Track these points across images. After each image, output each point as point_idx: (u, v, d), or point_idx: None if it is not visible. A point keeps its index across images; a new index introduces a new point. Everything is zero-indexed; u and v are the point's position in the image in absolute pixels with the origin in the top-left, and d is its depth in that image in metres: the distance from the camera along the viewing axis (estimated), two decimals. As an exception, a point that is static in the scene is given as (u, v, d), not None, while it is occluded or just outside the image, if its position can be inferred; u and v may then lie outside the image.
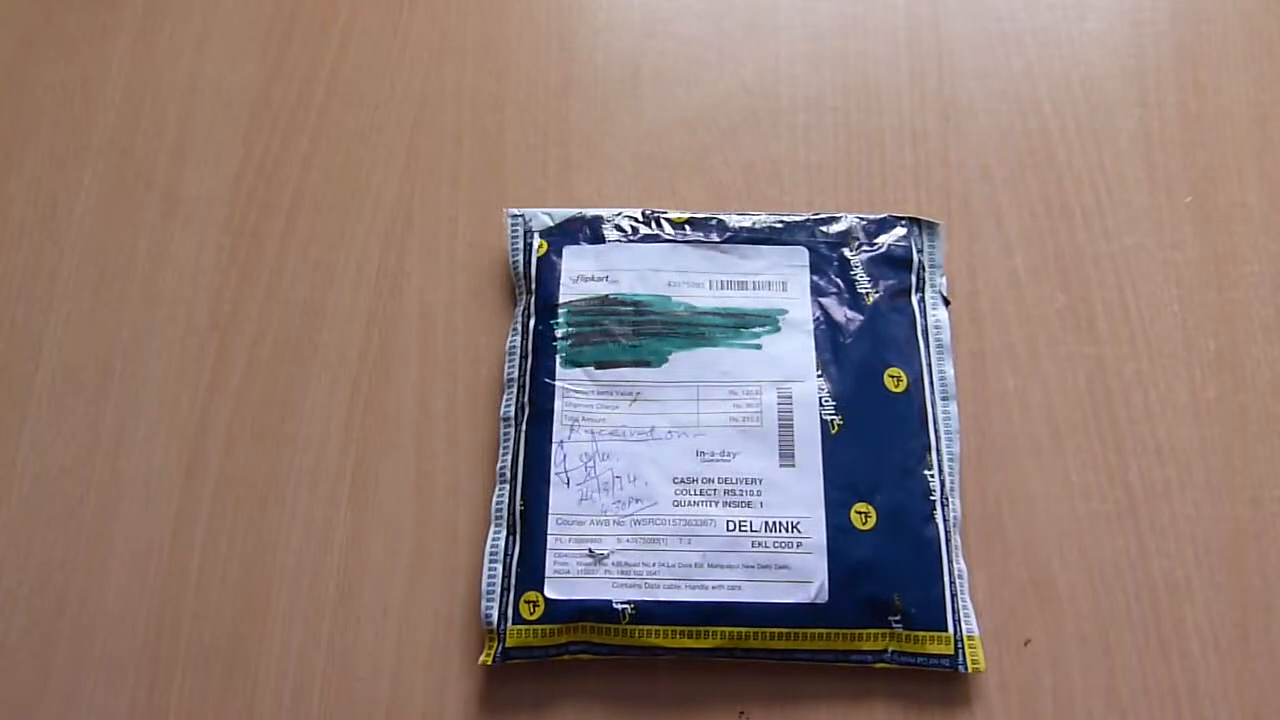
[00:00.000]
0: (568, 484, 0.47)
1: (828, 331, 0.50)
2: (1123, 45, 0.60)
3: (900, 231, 0.53)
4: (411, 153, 0.58)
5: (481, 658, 0.46)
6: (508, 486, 0.48)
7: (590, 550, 0.45)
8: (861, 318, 0.50)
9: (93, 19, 0.62)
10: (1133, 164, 0.57)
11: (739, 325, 0.50)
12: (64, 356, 0.54)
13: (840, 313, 0.50)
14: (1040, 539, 0.49)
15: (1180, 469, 0.50)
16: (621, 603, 0.45)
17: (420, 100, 0.59)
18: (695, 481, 0.46)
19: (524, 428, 0.49)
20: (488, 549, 0.47)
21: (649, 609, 0.45)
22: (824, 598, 0.45)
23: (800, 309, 0.50)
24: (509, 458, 0.49)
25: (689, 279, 0.51)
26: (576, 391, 0.49)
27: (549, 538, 0.46)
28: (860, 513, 0.46)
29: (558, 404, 0.48)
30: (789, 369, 0.49)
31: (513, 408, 0.50)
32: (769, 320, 0.50)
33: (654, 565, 0.45)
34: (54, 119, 0.59)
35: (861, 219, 0.53)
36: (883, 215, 0.53)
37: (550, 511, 0.47)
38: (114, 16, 0.62)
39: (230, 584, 0.49)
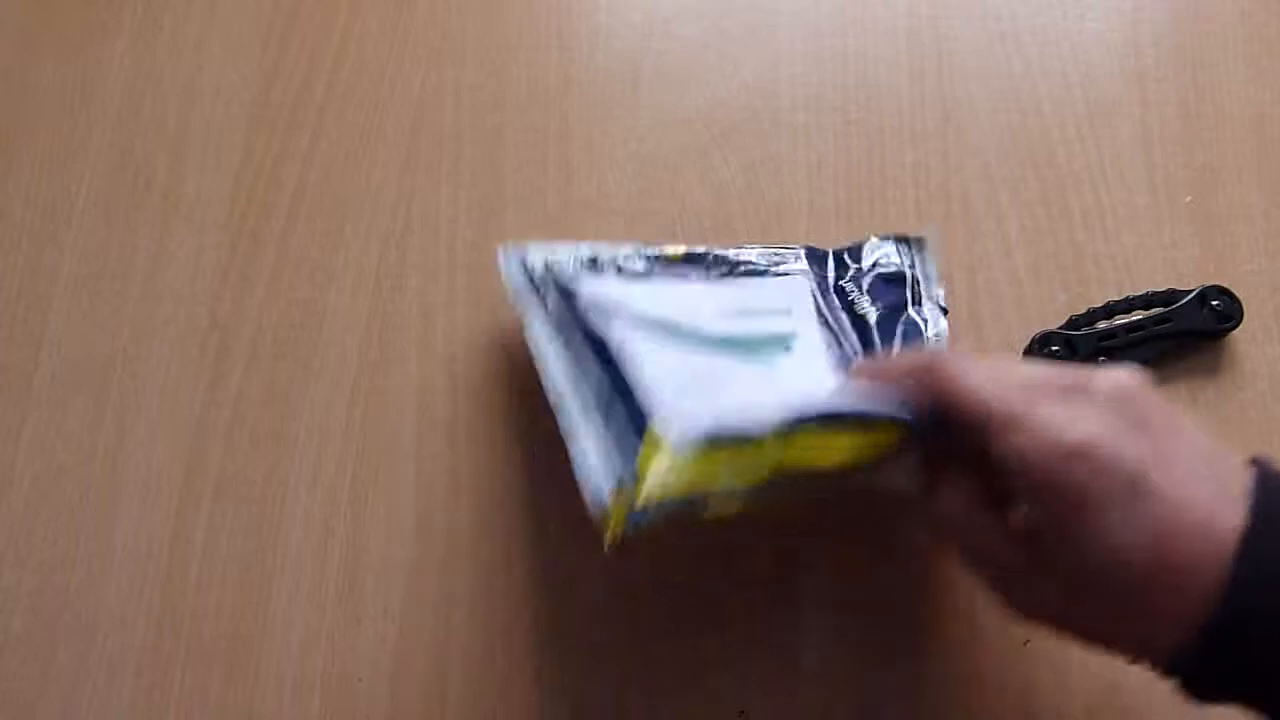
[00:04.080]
0: (610, 364, 0.43)
1: (839, 353, 0.48)
2: (1123, 45, 0.60)
3: (889, 249, 0.52)
4: (411, 153, 0.58)
5: (609, 532, 0.38)
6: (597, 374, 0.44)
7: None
8: (865, 337, 0.50)
9: (93, 19, 0.62)
10: (1133, 164, 0.57)
11: (749, 352, 0.47)
12: (64, 356, 0.54)
13: (845, 333, 0.50)
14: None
15: (1180, 469, 0.50)
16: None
17: (420, 100, 0.59)
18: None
19: (552, 334, 0.46)
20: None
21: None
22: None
23: (808, 330, 0.49)
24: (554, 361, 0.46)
25: (694, 312, 0.48)
26: None
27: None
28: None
29: None
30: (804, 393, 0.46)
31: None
32: (781, 343, 0.48)
33: None
34: (54, 119, 0.59)
35: (849, 246, 0.53)
36: (863, 240, 0.53)
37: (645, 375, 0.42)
38: (114, 16, 0.62)
39: (230, 584, 0.49)
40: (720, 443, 0.37)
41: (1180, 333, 0.52)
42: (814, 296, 0.50)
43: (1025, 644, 0.48)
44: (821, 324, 0.49)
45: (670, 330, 0.45)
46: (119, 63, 0.61)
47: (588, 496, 0.39)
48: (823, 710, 0.47)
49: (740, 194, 0.57)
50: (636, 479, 0.36)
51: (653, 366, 0.42)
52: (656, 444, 0.37)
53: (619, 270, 0.49)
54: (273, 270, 0.56)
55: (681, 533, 0.50)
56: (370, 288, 0.55)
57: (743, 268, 0.51)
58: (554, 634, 0.48)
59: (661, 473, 0.36)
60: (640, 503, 0.36)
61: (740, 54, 0.60)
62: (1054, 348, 0.52)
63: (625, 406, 0.41)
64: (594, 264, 0.49)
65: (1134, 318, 0.52)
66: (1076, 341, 0.52)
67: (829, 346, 0.48)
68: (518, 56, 0.61)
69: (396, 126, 0.59)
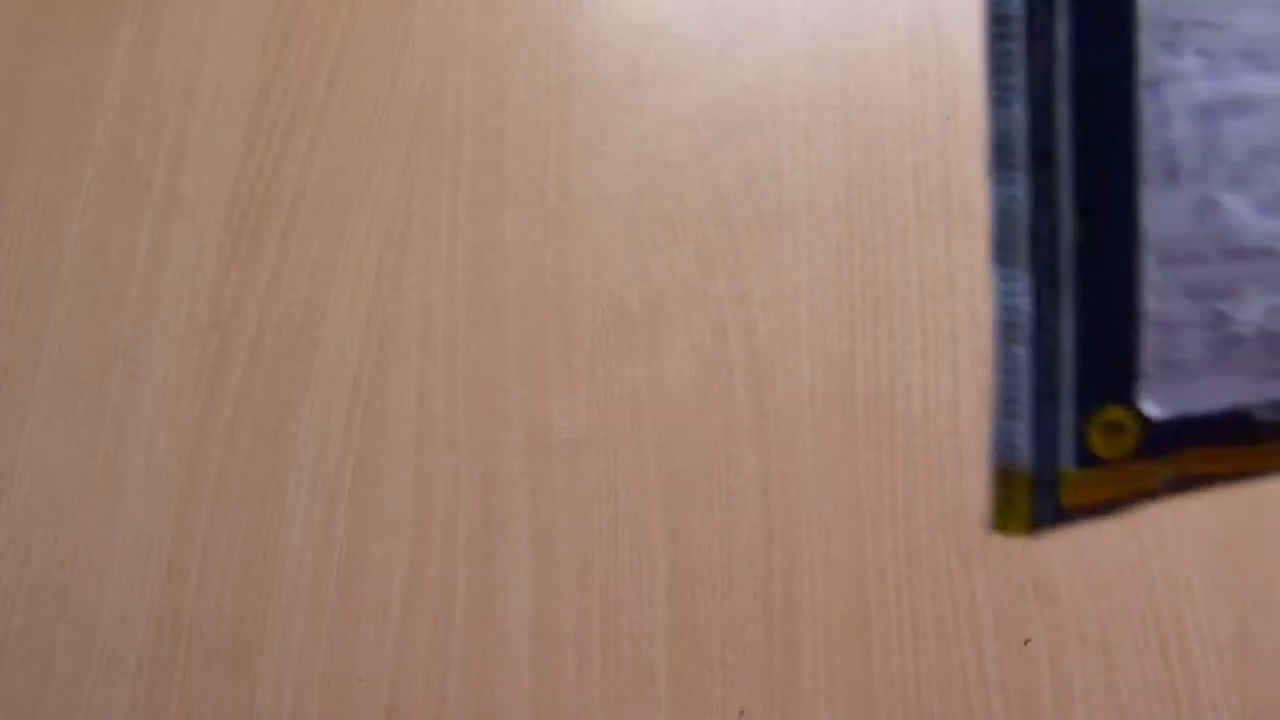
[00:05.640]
0: (1173, 176, 0.23)
1: None
2: (1122, 45, 0.60)
3: None
4: (411, 153, 0.58)
5: (997, 520, 0.25)
6: (1024, 188, 0.23)
7: (1221, 314, 0.24)
8: None
9: (93, 19, 0.62)
10: (1133, 164, 0.57)
11: None
12: (64, 356, 0.54)
13: None
14: (1040, 539, 0.49)
15: (1180, 469, 0.50)
16: (1267, 406, 0.25)
17: (420, 100, 0.59)
18: None
19: (1060, 50, 0.23)
20: (998, 328, 0.24)
21: None
22: None
23: None
24: (1022, 125, 0.23)
25: None
26: None
27: (1145, 296, 0.23)
28: None
29: None
30: None
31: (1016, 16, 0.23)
32: None
33: None
34: (54, 119, 0.59)
35: None
36: None
37: (1143, 239, 0.23)
38: (114, 16, 0.62)
39: (230, 584, 0.49)
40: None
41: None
42: None
43: (1025, 643, 0.48)
44: None
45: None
46: (119, 63, 0.61)
47: (994, 432, 0.24)
48: (823, 710, 0.47)
49: (740, 194, 0.57)
50: (1061, 472, 0.24)
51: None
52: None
53: None
54: (273, 270, 0.56)
55: (680, 531, 0.50)
56: (370, 288, 0.55)
57: None
58: (554, 634, 0.48)
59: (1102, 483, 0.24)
60: (1062, 506, 0.24)
61: (740, 54, 0.60)
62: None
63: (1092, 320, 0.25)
64: None
65: (1135, 317, 0.52)
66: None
67: None
68: (518, 56, 0.61)
69: (396, 126, 0.59)
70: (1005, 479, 0.24)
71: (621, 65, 0.60)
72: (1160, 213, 0.23)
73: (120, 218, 0.57)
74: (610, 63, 0.60)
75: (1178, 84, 0.23)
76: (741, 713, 0.47)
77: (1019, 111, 0.22)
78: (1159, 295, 0.23)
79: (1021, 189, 0.23)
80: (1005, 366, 0.24)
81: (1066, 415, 0.24)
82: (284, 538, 0.50)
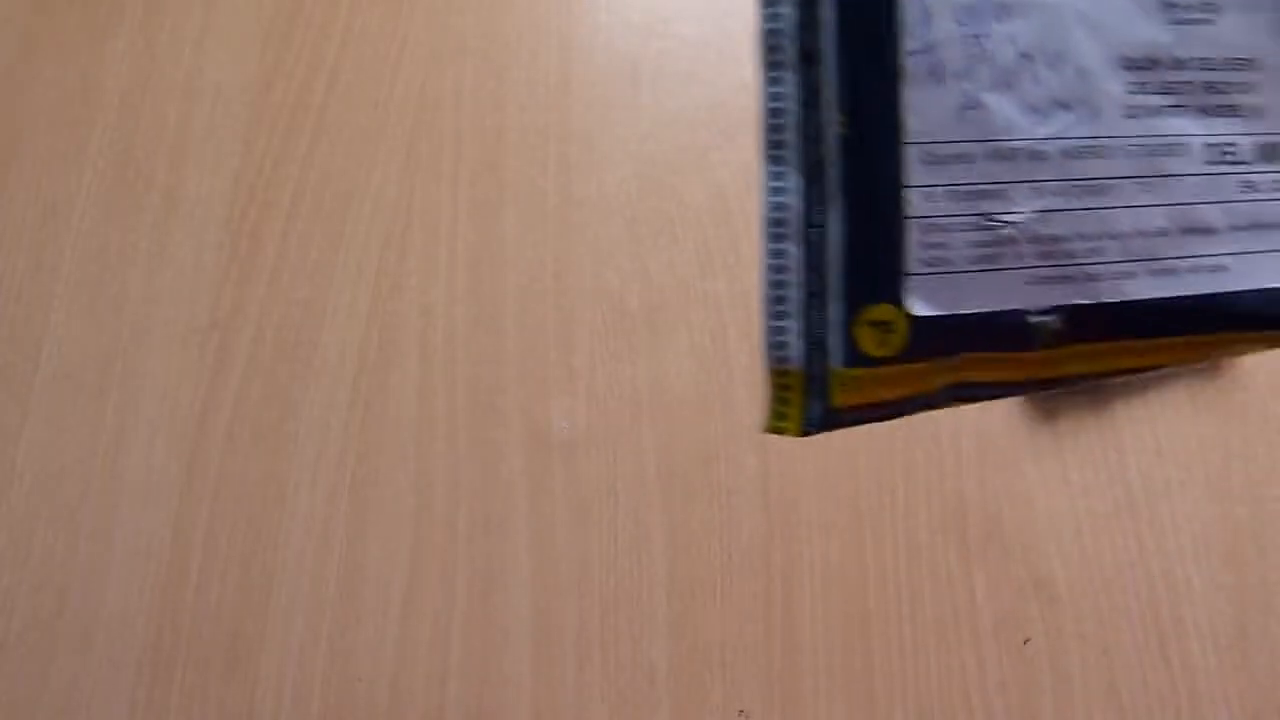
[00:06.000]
0: (936, 76, 0.23)
1: None
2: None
3: None
4: (411, 153, 0.58)
5: (770, 421, 0.24)
6: (792, 86, 0.23)
7: (988, 214, 0.24)
8: None
9: (93, 19, 0.62)
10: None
11: None
12: (64, 356, 0.54)
13: None
14: (1040, 539, 0.49)
15: (1180, 468, 0.50)
16: (1040, 311, 0.24)
17: (420, 100, 0.59)
18: (1159, 67, 0.25)
19: None
20: (766, 224, 0.24)
21: (1085, 318, 0.25)
22: None
23: None
24: (790, 24, 0.23)
25: None
26: None
27: (909, 194, 0.23)
28: None
29: None
30: None
31: None
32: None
33: (1095, 238, 0.25)
34: (54, 119, 0.59)
35: None
36: None
37: (907, 137, 0.23)
38: (114, 16, 0.62)
39: (230, 584, 0.49)
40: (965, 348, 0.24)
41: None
42: None
43: (1025, 643, 0.48)
44: None
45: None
46: (119, 63, 0.61)
47: (765, 330, 0.24)
48: (823, 710, 0.47)
49: (740, 194, 0.57)
50: (831, 371, 0.23)
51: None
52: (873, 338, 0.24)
53: None
54: (273, 270, 0.56)
55: (680, 531, 0.50)
56: (370, 288, 0.55)
57: None
58: (554, 634, 0.48)
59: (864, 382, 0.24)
60: (832, 405, 0.24)
61: (740, 54, 0.60)
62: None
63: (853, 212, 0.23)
64: None
65: (1134, 317, 0.52)
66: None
67: None
68: (518, 56, 0.61)
69: (396, 126, 0.59)
70: (777, 380, 0.24)
71: (621, 65, 0.60)
72: (923, 112, 0.23)
73: (120, 218, 0.57)
74: (610, 63, 0.60)
75: None
76: (741, 713, 0.47)
77: (787, 10, 0.22)
78: (924, 194, 0.23)
79: (789, 87, 0.23)
80: (774, 265, 0.24)
81: (835, 313, 0.23)
82: (284, 538, 0.50)
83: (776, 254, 0.23)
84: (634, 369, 0.53)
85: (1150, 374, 0.26)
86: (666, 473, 0.51)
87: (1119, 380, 0.27)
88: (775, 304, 0.24)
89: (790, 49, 0.23)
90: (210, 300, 0.55)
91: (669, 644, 0.48)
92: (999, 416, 0.52)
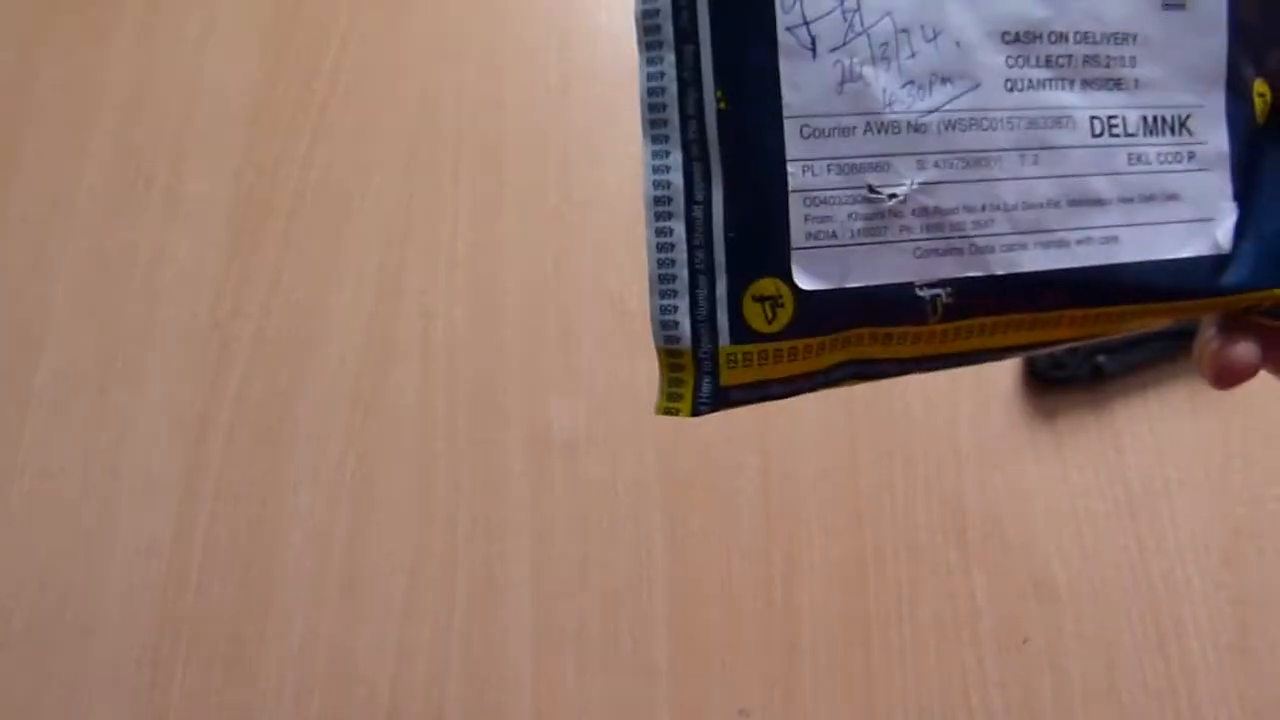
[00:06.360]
0: (812, 50, 0.23)
1: None
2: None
3: None
4: (411, 153, 0.58)
5: (662, 402, 0.24)
6: (670, 65, 0.23)
7: (870, 187, 0.23)
8: None
9: (93, 19, 0.62)
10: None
11: None
12: (64, 356, 0.54)
13: None
14: (1040, 539, 0.49)
15: (1180, 468, 0.50)
16: (929, 285, 0.24)
17: (420, 100, 0.59)
18: (1039, 40, 0.24)
19: None
20: (650, 203, 0.25)
21: (975, 291, 0.24)
22: (1228, 244, 0.26)
23: None
24: (666, 4, 0.23)
25: None
26: None
27: (789, 168, 0.23)
28: (1260, 96, 0.27)
29: None
30: None
31: None
32: None
33: (982, 210, 0.24)
34: (54, 119, 0.59)
35: None
36: None
37: (785, 111, 0.23)
38: (114, 16, 0.62)
39: (230, 583, 0.49)
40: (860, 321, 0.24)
41: (1180, 332, 0.52)
42: None
43: (1025, 643, 0.48)
44: None
45: None
46: (119, 63, 0.61)
47: (653, 313, 0.24)
48: (823, 710, 0.47)
49: (740, 194, 0.57)
50: (720, 349, 0.23)
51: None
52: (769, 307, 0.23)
53: None
54: (273, 270, 0.56)
55: (680, 531, 0.50)
56: (370, 288, 0.55)
57: None
58: (554, 634, 0.48)
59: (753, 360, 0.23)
60: (719, 385, 0.23)
61: (740, 54, 0.60)
62: (1054, 347, 0.52)
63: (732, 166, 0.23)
64: None
65: (1134, 317, 0.52)
66: (1076, 341, 0.52)
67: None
68: (518, 57, 0.61)
69: (396, 126, 0.59)
70: (669, 360, 0.24)
71: (621, 65, 0.60)
72: (801, 86, 0.23)
73: (120, 218, 0.57)
74: (610, 63, 0.60)
75: None
76: (741, 712, 0.47)
77: None
78: (806, 168, 0.23)
79: (667, 66, 0.23)
80: (660, 243, 0.24)
81: (722, 289, 0.23)
82: (284, 538, 0.50)
83: (661, 232, 0.24)
84: (634, 369, 0.53)
85: (1043, 350, 0.26)
86: (666, 473, 0.51)
87: (1018, 357, 0.27)
88: (663, 283, 0.24)
89: (667, 28, 0.23)
90: (210, 300, 0.55)
91: (669, 644, 0.48)
92: (999, 416, 0.52)
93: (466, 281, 0.55)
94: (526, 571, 0.49)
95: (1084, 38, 0.25)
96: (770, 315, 0.23)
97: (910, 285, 0.24)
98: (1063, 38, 0.24)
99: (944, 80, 0.24)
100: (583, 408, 0.52)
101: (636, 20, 0.23)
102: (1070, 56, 0.24)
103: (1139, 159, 0.25)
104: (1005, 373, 0.52)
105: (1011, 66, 0.24)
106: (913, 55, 0.24)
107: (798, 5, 0.23)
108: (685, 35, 0.23)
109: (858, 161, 0.23)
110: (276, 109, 0.59)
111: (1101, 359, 0.52)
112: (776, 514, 0.50)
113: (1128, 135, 0.25)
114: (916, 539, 0.49)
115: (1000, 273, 0.24)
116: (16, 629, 0.49)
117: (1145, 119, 0.26)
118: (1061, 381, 0.52)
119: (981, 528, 0.50)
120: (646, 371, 0.53)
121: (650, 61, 0.23)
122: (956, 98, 0.24)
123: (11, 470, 0.52)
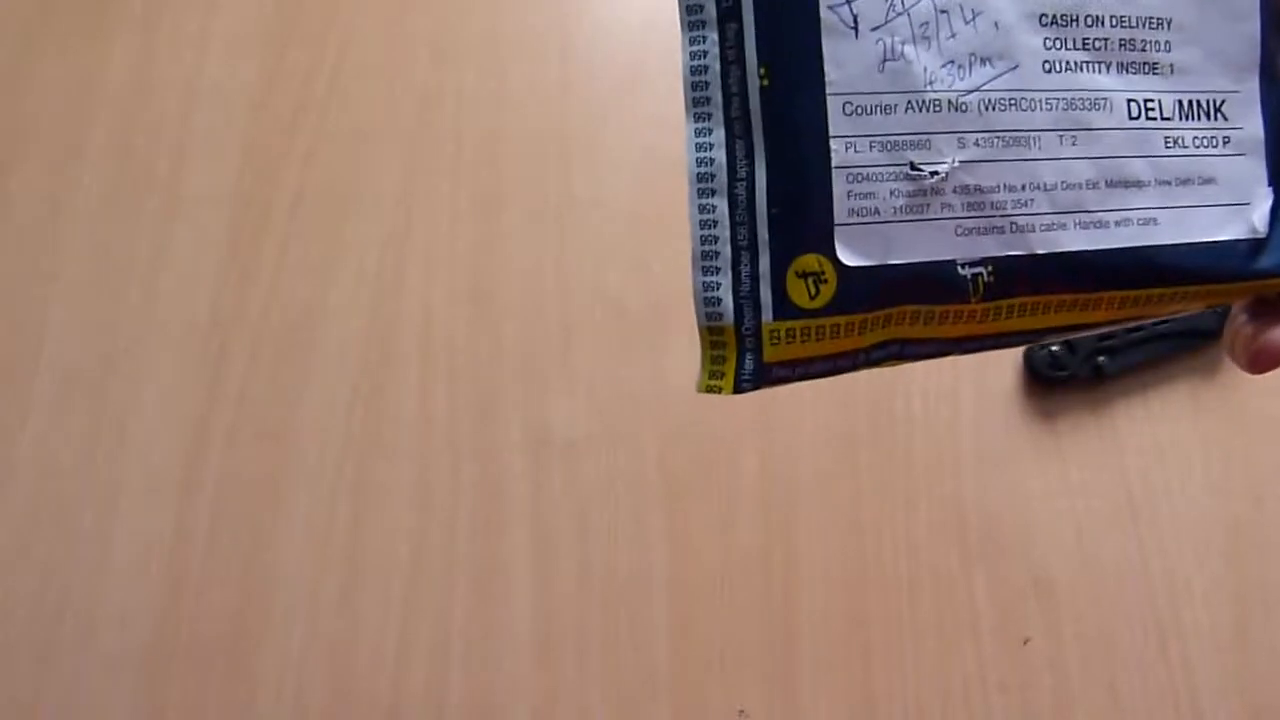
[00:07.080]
0: (854, 28, 0.23)
1: None
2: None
3: None
4: (411, 153, 0.58)
5: (704, 380, 0.24)
6: (713, 44, 0.24)
7: (912, 164, 0.24)
8: None
9: (93, 19, 0.62)
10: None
11: None
12: (64, 356, 0.54)
13: None
14: (1040, 539, 0.49)
15: (1180, 468, 0.50)
16: (970, 263, 0.24)
17: (420, 100, 0.59)
18: (1075, 23, 0.25)
19: None
20: (693, 179, 0.24)
21: (1016, 270, 0.24)
22: (1264, 228, 0.27)
23: None
24: None
25: None
26: None
27: (833, 144, 0.23)
28: None
29: None
30: None
31: None
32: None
33: (1022, 189, 0.24)
34: (54, 119, 0.59)
35: None
36: None
37: (828, 89, 0.23)
38: (114, 16, 0.62)
39: (230, 584, 0.49)
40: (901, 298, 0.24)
41: (1180, 333, 0.52)
42: None
43: (1025, 643, 0.48)
44: None
45: None
46: (119, 62, 0.61)
47: (695, 290, 0.23)
48: (823, 710, 0.47)
49: (740, 194, 0.57)
50: (764, 326, 0.23)
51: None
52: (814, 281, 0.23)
53: None
54: (273, 270, 0.56)
55: (680, 531, 0.50)
56: (370, 288, 0.55)
57: None
58: (554, 633, 0.48)
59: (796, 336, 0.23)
60: (763, 361, 0.23)
61: (740, 54, 0.60)
62: (1052, 347, 0.52)
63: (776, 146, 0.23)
64: None
65: (1134, 317, 0.52)
66: (1075, 341, 0.52)
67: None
68: (518, 56, 0.61)
69: (396, 126, 0.59)
70: (711, 337, 0.24)
71: (621, 65, 0.60)
72: (844, 64, 0.23)
73: (120, 218, 0.57)
74: (610, 63, 0.60)
75: None
76: (741, 713, 0.47)
77: None
78: (849, 144, 0.23)
79: (710, 45, 0.24)
80: (702, 220, 0.24)
81: (765, 265, 0.23)
82: (284, 538, 0.50)
83: (704, 209, 0.24)
84: (634, 369, 0.53)
85: (1080, 334, 0.27)
86: (666, 473, 0.51)
87: (1056, 340, 0.28)
88: (705, 259, 0.24)
89: (710, 6, 0.24)
90: (210, 300, 0.55)
91: (669, 644, 0.48)
92: (999, 417, 0.52)
93: (466, 281, 0.55)
94: (526, 571, 0.49)
95: (1119, 22, 0.25)
96: (813, 291, 0.23)
97: (952, 263, 0.24)
98: (1099, 21, 0.24)
99: (983, 61, 0.24)
100: (582, 408, 0.52)
101: (680, 1, 0.24)
102: (1106, 40, 0.25)
103: (1176, 142, 0.26)
104: (1005, 373, 0.52)
105: (1049, 49, 0.24)
106: (953, 35, 0.24)
107: None
108: (728, 13, 0.23)
109: (900, 139, 0.23)
110: (276, 109, 0.59)
111: (1101, 359, 0.52)
112: (776, 514, 0.50)
113: (1164, 119, 0.26)
114: (916, 539, 0.49)
115: (1041, 251, 0.24)
116: (16, 629, 0.49)
117: (1181, 103, 0.26)
118: (1061, 381, 0.52)
119: (981, 528, 0.50)
120: (646, 371, 0.53)
121: (693, 40, 0.24)
122: (996, 78, 0.24)
123: (11, 471, 0.52)
